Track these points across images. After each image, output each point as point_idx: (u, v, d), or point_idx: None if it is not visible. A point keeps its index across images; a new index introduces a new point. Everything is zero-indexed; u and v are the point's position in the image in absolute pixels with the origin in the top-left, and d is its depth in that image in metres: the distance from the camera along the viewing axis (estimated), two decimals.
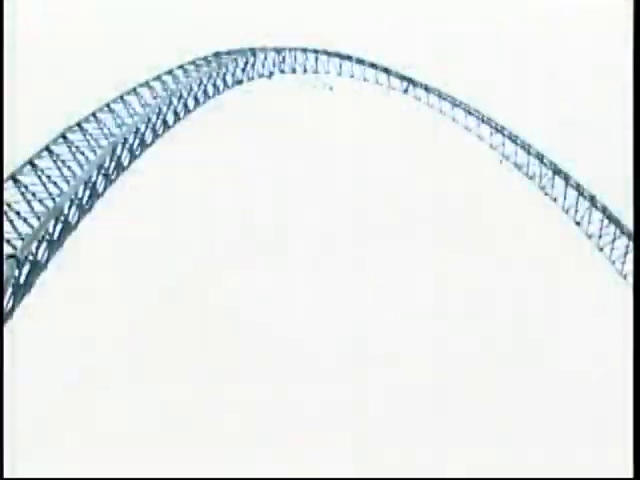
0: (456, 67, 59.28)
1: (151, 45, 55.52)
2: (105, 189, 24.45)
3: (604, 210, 38.15)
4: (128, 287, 53.10)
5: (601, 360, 50.80)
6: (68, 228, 22.26)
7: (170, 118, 29.12)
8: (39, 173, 22.52)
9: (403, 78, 42.16)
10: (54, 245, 21.55)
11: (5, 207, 20.98)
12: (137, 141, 26.51)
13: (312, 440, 51.56)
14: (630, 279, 36.24)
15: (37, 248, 20.68)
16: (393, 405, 54.35)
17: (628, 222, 37.00)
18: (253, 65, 35.58)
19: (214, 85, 32.53)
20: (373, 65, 41.82)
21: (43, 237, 20.95)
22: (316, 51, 39.88)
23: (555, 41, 63.12)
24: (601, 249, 37.99)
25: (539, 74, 63.60)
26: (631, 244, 36.87)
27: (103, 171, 24.27)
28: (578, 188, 39.04)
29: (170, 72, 30.78)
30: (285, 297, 56.73)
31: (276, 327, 55.55)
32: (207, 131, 44.54)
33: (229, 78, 33.78)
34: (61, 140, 24.17)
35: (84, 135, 24.84)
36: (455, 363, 55.48)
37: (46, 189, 22.14)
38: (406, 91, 42.19)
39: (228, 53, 34.46)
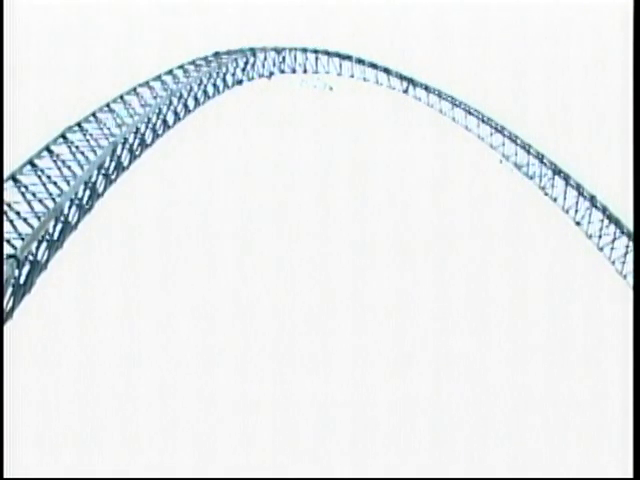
0: (456, 67, 59.32)
1: (151, 45, 55.53)
2: (105, 189, 24.43)
3: (604, 210, 38.13)
4: (128, 287, 53.10)
5: (601, 360, 50.81)
6: (68, 228, 22.24)
7: (170, 118, 29.12)
8: (39, 173, 22.50)
9: (403, 78, 42.15)
10: (54, 245, 21.53)
11: (5, 207, 20.96)
12: (137, 141, 26.51)
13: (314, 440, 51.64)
14: (630, 279, 36.23)
15: (37, 248, 20.65)
16: (395, 405, 54.40)
17: (628, 222, 36.99)
18: (253, 65, 35.59)
19: (214, 85, 32.53)
20: (373, 65, 41.82)
21: (43, 237, 20.93)
22: (316, 51, 39.87)
23: (555, 40, 63.15)
24: (601, 249, 37.98)
25: (539, 74, 63.61)
26: (631, 244, 36.85)
27: (103, 171, 24.25)
28: (578, 188, 39.02)
29: (170, 72, 30.78)
30: (283, 297, 56.76)
31: (273, 325, 55.62)
32: (207, 131, 44.56)
33: (229, 78, 33.78)
34: (61, 140, 24.15)
35: (84, 135, 24.82)
36: (454, 363, 55.50)
37: (46, 189, 22.11)
38: (406, 91, 42.19)
39: (228, 53, 34.47)
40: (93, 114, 25.95)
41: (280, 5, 58.22)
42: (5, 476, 18.26)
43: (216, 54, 33.91)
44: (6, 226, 20.43)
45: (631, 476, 24.02)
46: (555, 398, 53.30)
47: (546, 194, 39.98)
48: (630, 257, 36.75)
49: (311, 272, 58.19)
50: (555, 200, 39.66)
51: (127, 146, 25.74)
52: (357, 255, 59.06)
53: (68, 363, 48.92)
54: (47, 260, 21.16)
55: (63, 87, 53.51)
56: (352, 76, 41.45)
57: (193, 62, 32.41)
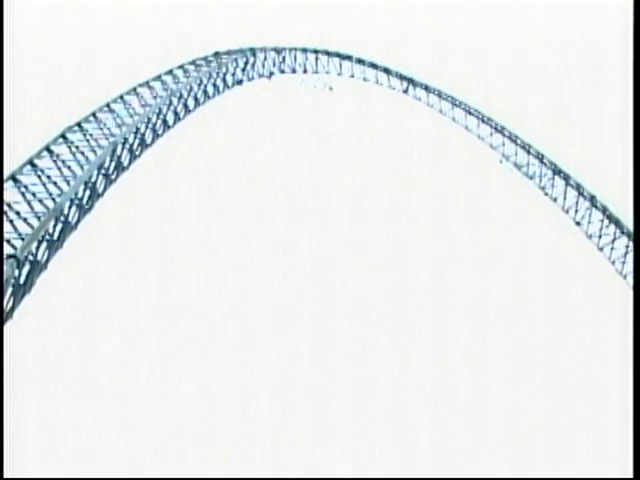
0: (456, 67, 59.32)
1: (151, 45, 55.53)
2: (105, 189, 24.43)
3: (604, 210, 38.13)
4: (128, 287, 53.11)
5: (601, 360, 50.81)
6: (68, 228, 22.24)
7: (170, 118, 29.11)
8: (39, 173, 22.50)
9: (403, 78, 42.15)
10: (54, 245, 21.53)
11: (5, 207, 20.96)
12: (137, 141, 26.50)
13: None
14: (630, 279, 36.23)
15: (37, 248, 20.65)
16: (395, 405, 54.40)
17: (628, 222, 37.00)
18: (253, 65, 35.58)
19: (214, 85, 32.53)
20: (373, 65, 41.82)
21: (43, 237, 20.93)
22: (316, 51, 39.88)
23: (555, 40, 63.15)
24: (601, 249, 37.98)
25: (539, 74, 63.62)
26: (631, 244, 36.85)
27: (103, 171, 24.25)
28: (578, 188, 39.03)
29: (170, 72, 30.78)
30: (283, 296, 56.76)
31: (273, 323, 55.63)
32: (207, 131, 44.56)
33: (229, 78, 33.79)
34: (61, 140, 24.15)
35: (84, 135, 24.83)
36: (454, 363, 55.51)
37: (46, 189, 22.11)
38: (406, 91, 42.19)
39: (228, 53, 34.46)
40: (93, 114, 25.95)
41: (280, 5, 58.24)
42: (5, 476, 18.26)
43: (216, 54, 33.90)
44: (6, 226, 20.43)
45: (631, 476, 24.02)
46: (555, 398, 53.31)
47: (546, 194, 39.98)
48: (630, 257, 36.75)
49: (311, 271, 58.21)
50: (555, 200, 39.66)
51: (127, 146, 25.74)
52: (356, 254, 59.09)
53: (68, 363, 48.95)
54: (47, 260, 21.16)
55: (63, 87, 53.53)
56: (352, 76, 41.46)
57: (193, 62, 32.40)
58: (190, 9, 58.97)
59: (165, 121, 28.72)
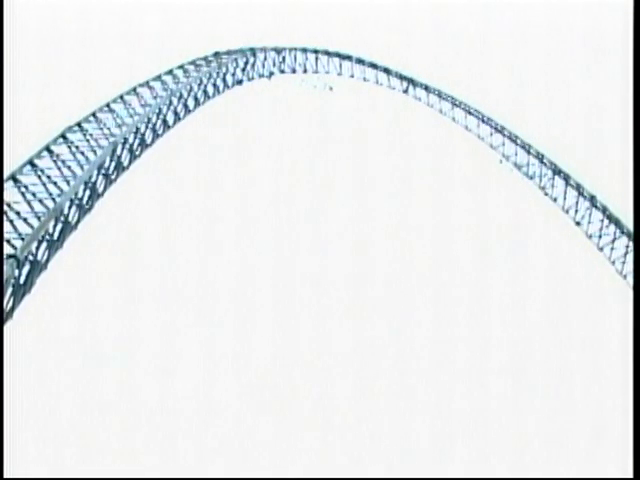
0: (456, 67, 59.33)
1: (151, 45, 55.53)
2: (105, 189, 24.43)
3: (604, 210, 38.13)
4: (128, 286, 53.12)
5: (601, 360, 50.82)
6: (68, 228, 22.24)
7: (170, 118, 29.11)
8: (39, 173, 22.50)
9: (403, 78, 42.15)
10: (54, 245, 21.53)
11: (5, 207, 20.96)
12: (137, 141, 26.50)
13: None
14: (630, 279, 36.23)
15: (37, 248, 20.65)
16: (395, 404, 54.41)
17: (628, 222, 37.00)
18: (253, 65, 35.58)
19: (214, 85, 32.53)
20: (373, 65, 41.82)
21: (43, 237, 20.92)
22: (316, 51, 39.88)
23: (555, 40, 63.15)
24: (601, 249, 37.98)
25: (539, 74, 63.62)
26: (631, 244, 36.85)
27: (103, 171, 24.25)
28: (578, 188, 39.02)
29: (170, 72, 30.78)
30: (284, 297, 56.78)
31: (273, 324, 55.64)
32: (207, 131, 44.56)
33: (229, 78, 33.78)
34: (61, 140, 24.14)
35: (84, 135, 24.82)
36: (455, 363, 55.52)
37: (46, 189, 22.10)
38: (406, 91, 42.18)
39: (228, 53, 34.46)
40: (93, 114, 25.95)
41: (280, 5, 58.24)
42: (5, 476, 18.26)
43: (216, 54, 33.90)
44: (6, 226, 20.42)
45: (631, 476, 24.02)
46: (555, 398, 53.32)
47: (546, 194, 39.98)
48: (630, 257, 36.74)
49: (310, 271, 58.22)
50: (555, 200, 39.66)
51: (127, 146, 25.73)
52: (356, 254, 59.10)
53: (68, 363, 48.96)
54: (47, 260, 21.15)
55: (63, 87, 53.54)
56: (352, 76, 41.45)
57: (193, 62, 32.40)
58: (190, 9, 58.99)
59: (165, 121, 28.72)
